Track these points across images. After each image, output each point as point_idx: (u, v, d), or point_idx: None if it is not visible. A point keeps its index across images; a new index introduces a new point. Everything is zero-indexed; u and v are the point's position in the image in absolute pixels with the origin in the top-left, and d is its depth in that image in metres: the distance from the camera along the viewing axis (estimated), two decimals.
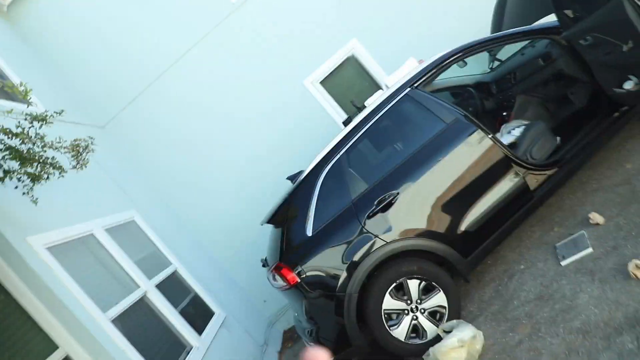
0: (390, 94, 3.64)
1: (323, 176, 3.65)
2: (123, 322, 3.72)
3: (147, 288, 4.28)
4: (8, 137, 3.19)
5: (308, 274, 3.45)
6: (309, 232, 3.53)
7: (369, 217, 3.41)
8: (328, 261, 3.44)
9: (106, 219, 4.49)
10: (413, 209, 3.43)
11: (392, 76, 4.04)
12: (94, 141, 3.67)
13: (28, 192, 3.39)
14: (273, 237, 3.85)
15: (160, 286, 4.52)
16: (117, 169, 5.64)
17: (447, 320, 3.36)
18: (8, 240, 3.21)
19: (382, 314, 3.36)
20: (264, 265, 4.03)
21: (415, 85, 3.60)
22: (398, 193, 3.41)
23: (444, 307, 3.38)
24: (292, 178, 4.21)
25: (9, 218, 3.32)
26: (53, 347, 3.27)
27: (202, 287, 5.25)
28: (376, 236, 3.36)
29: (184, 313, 4.57)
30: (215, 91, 6.18)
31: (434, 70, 3.65)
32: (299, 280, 3.44)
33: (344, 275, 3.37)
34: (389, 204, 3.41)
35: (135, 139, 6.26)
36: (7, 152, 3.23)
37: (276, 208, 3.78)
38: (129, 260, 4.35)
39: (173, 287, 4.80)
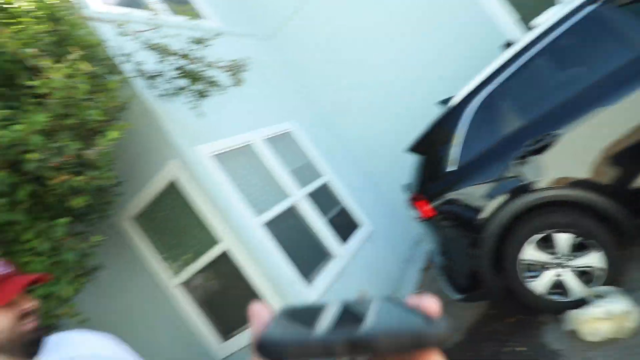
0: (568, 13, 2.96)
1: (474, 106, 3.31)
2: (273, 226, 4.16)
3: (299, 197, 4.65)
4: (178, 59, 3.57)
5: (445, 209, 3.33)
6: (452, 166, 3.32)
7: (520, 158, 3.03)
8: (468, 199, 3.24)
9: (265, 129, 4.87)
10: (576, 153, 2.91)
11: None
12: (249, 61, 3.89)
13: (196, 107, 3.82)
14: (417, 165, 3.73)
15: (310, 196, 4.86)
16: (279, 80, 5.95)
17: (600, 285, 2.94)
18: (180, 149, 3.75)
19: (520, 263, 3.10)
20: (407, 191, 3.98)
21: None
22: (560, 134, 2.92)
23: (599, 270, 2.95)
24: (443, 103, 3.91)
25: (181, 129, 3.84)
26: (215, 241, 3.86)
27: (351, 200, 5.48)
28: (525, 180, 3.00)
29: (330, 223, 4.89)
30: (371, 5, 5.86)
31: None
32: (433, 215, 3.36)
33: (483, 216, 3.15)
34: (546, 146, 2.95)
35: (297, 51, 6.45)
36: (179, 72, 3.64)
37: (420, 136, 3.61)
38: (284, 169, 4.72)
39: (322, 198, 5.12)
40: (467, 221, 3.24)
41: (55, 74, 1.82)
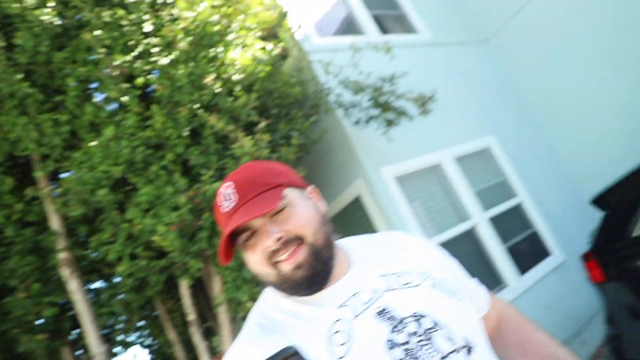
0: None
1: None
2: (446, 249, 4.38)
3: (479, 220, 4.69)
4: (371, 92, 4.05)
5: (621, 276, 3.03)
6: (637, 230, 2.98)
7: None
8: None
9: (458, 147, 4.97)
10: None
11: None
12: (435, 95, 4.10)
13: (386, 132, 4.27)
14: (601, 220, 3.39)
15: (494, 219, 4.81)
16: (486, 90, 5.81)
17: None
18: (365, 170, 4.29)
19: None
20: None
21: None
22: None
23: None
24: None
25: (369, 152, 4.36)
26: None
27: (546, 225, 5.16)
28: None
29: (513, 248, 4.77)
30: (607, 6, 5.11)
31: None
32: (604, 280, 3.09)
33: None
34: None
35: (514, 56, 6.12)
36: (371, 102, 4.14)
37: (609, 187, 3.28)
38: (469, 190, 4.79)
39: (511, 220, 4.99)
40: None
41: (247, 142, 2.55)
